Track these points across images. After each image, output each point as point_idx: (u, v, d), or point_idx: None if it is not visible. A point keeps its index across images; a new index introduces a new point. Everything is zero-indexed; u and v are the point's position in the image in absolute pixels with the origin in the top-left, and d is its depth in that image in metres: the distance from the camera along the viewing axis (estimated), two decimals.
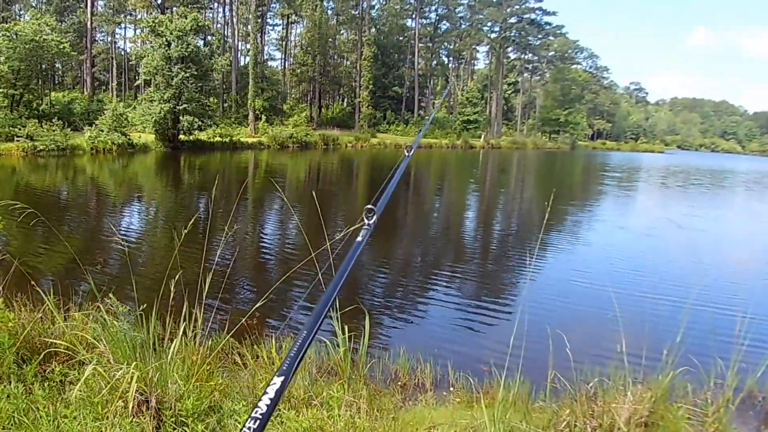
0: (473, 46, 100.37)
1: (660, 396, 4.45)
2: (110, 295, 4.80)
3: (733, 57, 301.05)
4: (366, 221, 1.59)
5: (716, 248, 16.82)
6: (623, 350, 4.49)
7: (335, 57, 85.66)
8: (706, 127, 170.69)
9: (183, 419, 3.61)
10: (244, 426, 0.97)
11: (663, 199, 32.79)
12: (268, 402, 1.02)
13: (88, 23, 59.62)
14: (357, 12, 78.53)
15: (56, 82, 66.69)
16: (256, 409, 0.99)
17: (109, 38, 76.27)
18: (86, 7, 60.14)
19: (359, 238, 1.51)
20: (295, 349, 1.14)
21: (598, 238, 17.25)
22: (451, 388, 5.81)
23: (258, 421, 0.98)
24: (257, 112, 59.15)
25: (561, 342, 4.73)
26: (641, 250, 15.57)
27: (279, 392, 1.04)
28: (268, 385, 1.04)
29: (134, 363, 3.76)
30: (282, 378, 1.06)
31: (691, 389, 4.87)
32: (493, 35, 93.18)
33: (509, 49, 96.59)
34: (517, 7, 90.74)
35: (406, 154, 2.37)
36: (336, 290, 1.35)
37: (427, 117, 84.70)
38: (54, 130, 33.69)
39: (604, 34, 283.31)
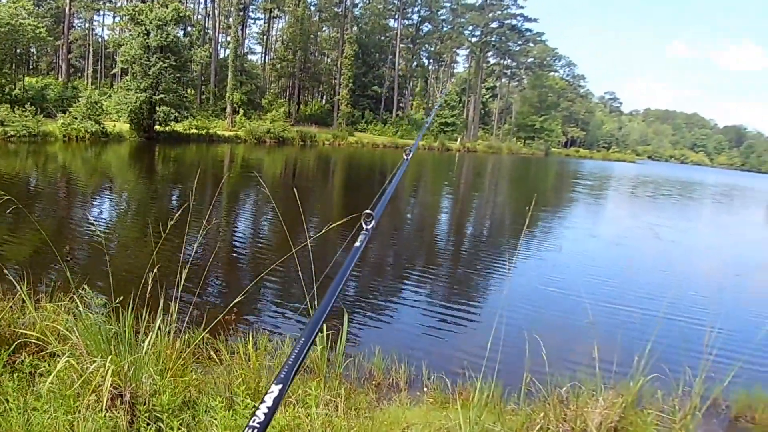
0: (454, 49, 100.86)
1: (630, 402, 4.53)
2: (85, 286, 4.73)
3: (708, 70, 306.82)
4: (364, 226, 1.58)
5: (686, 259, 17.12)
6: (596, 356, 4.57)
7: (316, 54, 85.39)
8: (677, 139, 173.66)
9: (157, 414, 3.57)
10: None
11: (633, 208, 33.30)
12: (266, 410, 1.02)
13: (66, 8, 58.56)
14: (340, 9, 78.45)
15: (30, 67, 65.34)
16: (254, 417, 0.99)
17: (87, 25, 74.92)
18: None
19: (357, 244, 1.51)
20: (293, 357, 1.13)
21: (573, 245, 17.43)
22: (425, 389, 5.83)
23: (256, 430, 0.98)
24: (235, 105, 58.68)
25: (536, 347, 4.79)
26: (614, 258, 15.80)
27: (277, 401, 1.04)
28: (266, 393, 1.03)
29: (110, 356, 3.70)
30: (280, 386, 1.06)
31: (660, 396, 4.96)
32: (474, 39, 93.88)
33: (489, 53, 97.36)
34: (499, 12, 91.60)
35: (405, 157, 2.33)
36: (335, 296, 1.34)
37: (410, 117, 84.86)
38: (26, 116, 32.96)
39: (583, 40, 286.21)
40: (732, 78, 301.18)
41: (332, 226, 4.01)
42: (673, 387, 5.06)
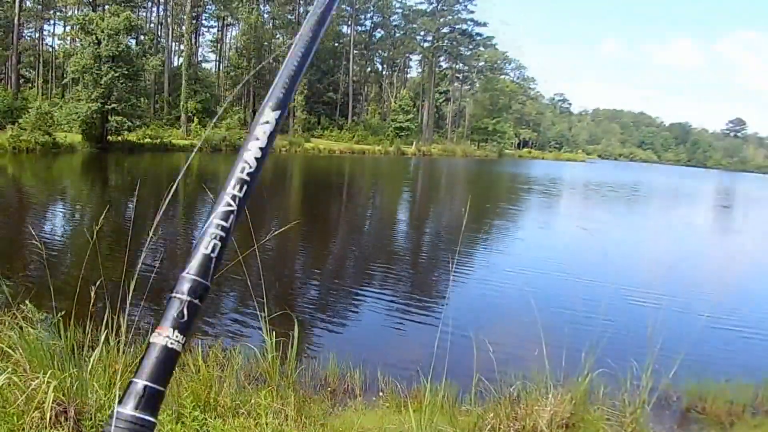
0: (406, 55, 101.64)
1: (579, 398, 4.62)
2: (26, 302, 4.61)
3: (646, 68, 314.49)
4: None
5: (623, 257, 17.34)
6: (544, 354, 4.65)
7: (270, 61, 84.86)
8: (626, 138, 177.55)
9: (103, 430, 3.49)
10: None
11: (582, 211, 33.93)
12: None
13: (15, 18, 56.70)
14: (293, 17, 78.10)
15: None
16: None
17: (37, 34, 72.86)
18: (14, 2, 57.19)
19: None
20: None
21: (517, 250, 17.60)
22: (381, 393, 5.85)
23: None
24: (190, 114, 57.82)
25: (485, 347, 4.85)
26: (554, 261, 15.89)
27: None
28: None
29: (50, 372, 3.62)
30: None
31: (608, 391, 5.07)
32: (426, 44, 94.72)
33: (441, 58, 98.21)
34: (450, 17, 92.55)
35: None
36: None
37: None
38: None
39: (527, 43, 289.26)
40: (671, 75, 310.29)
41: (276, 232, 4.01)
42: (622, 382, 5.17)
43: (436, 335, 4.61)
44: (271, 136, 0.83)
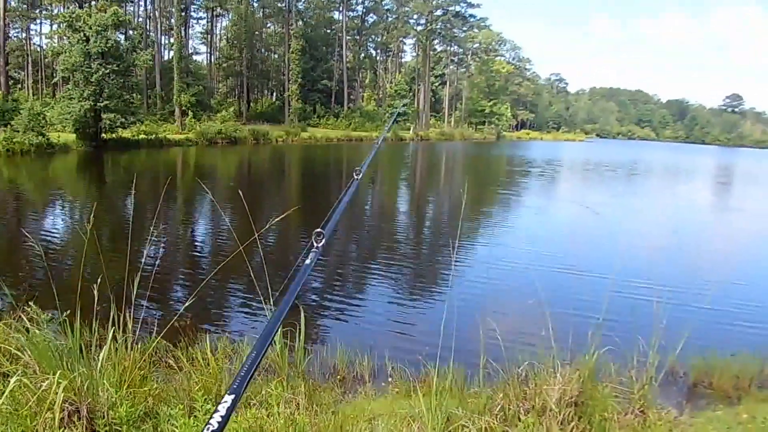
0: (400, 39, 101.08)
1: (587, 376, 4.63)
2: (30, 303, 4.61)
3: (640, 44, 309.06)
4: (315, 244, 1.60)
5: (625, 235, 17.33)
6: (551, 334, 4.66)
7: (262, 50, 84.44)
8: (623, 116, 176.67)
9: (117, 427, 3.51)
10: None
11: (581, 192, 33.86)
12: (219, 419, 1.05)
13: (1, 20, 56.31)
14: (283, 5, 77.60)
15: None
16: (208, 425, 1.02)
17: (24, 34, 72.40)
18: None
19: (308, 261, 1.53)
20: (245, 368, 1.16)
21: (519, 232, 17.57)
22: (390, 379, 5.88)
23: None
24: (184, 108, 57.57)
25: (491, 328, 4.86)
26: (557, 240, 15.92)
27: (230, 410, 1.08)
28: (219, 402, 1.07)
29: (59, 372, 3.62)
30: (233, 396, 1.10)
31: (616, 368, 5.08)
32: (420, 28, 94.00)
33: (435, 41, 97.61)
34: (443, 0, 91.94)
35: (355, 177, 2.30)
36: (286, 310, 1.37)
37: (357, 110, 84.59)
38: None
39: (522, 25, 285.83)
40: (665, 51, 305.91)
41: (275, 221, 4.01)
42: (629, 359, 5.19)
43: (441, 320, 4.62)
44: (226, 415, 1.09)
